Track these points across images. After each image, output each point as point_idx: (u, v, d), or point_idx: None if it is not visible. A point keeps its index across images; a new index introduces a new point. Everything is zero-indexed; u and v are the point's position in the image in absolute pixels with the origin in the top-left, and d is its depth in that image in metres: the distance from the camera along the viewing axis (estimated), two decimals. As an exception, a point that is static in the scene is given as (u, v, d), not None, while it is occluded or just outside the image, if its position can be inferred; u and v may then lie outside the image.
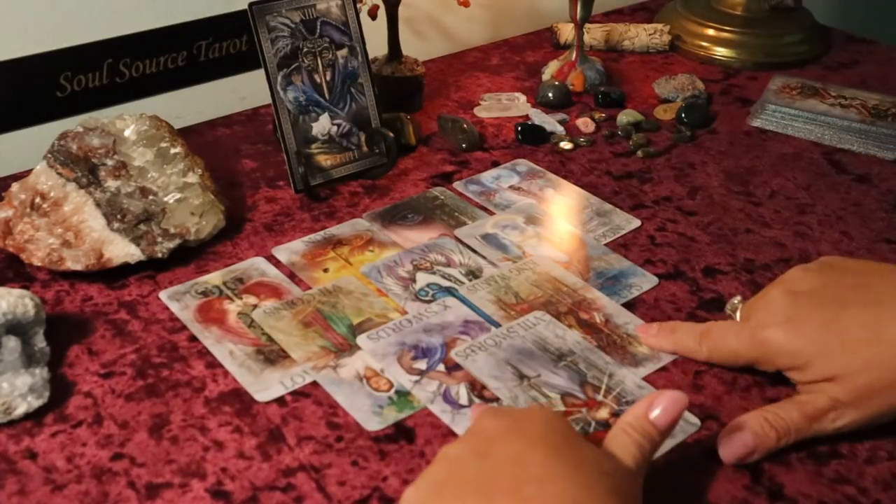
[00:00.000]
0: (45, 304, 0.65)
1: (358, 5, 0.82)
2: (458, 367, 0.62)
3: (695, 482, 0.54)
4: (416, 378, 0.61)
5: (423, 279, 0.70)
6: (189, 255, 0.72)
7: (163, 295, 0.68)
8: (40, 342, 0.61)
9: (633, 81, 1.03)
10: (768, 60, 1.06)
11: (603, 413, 0.58)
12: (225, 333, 0.65)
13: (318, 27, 0.80)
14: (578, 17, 0.98)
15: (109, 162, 0.75)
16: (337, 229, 0.76)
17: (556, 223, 0.78)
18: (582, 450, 0.47)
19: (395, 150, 0.83)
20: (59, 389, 0.60)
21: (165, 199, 0.73)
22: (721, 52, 1.07)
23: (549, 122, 0.92)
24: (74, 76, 0.86)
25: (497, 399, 0.59)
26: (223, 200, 0.76)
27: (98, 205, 0.72)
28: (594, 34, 1.10)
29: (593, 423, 0.57)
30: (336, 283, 0.69)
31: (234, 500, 0.53)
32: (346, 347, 0.63)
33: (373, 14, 0.92)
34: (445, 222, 0.77)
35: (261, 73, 0.78)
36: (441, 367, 0.62)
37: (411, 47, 0.97)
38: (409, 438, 0.57)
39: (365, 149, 0.83)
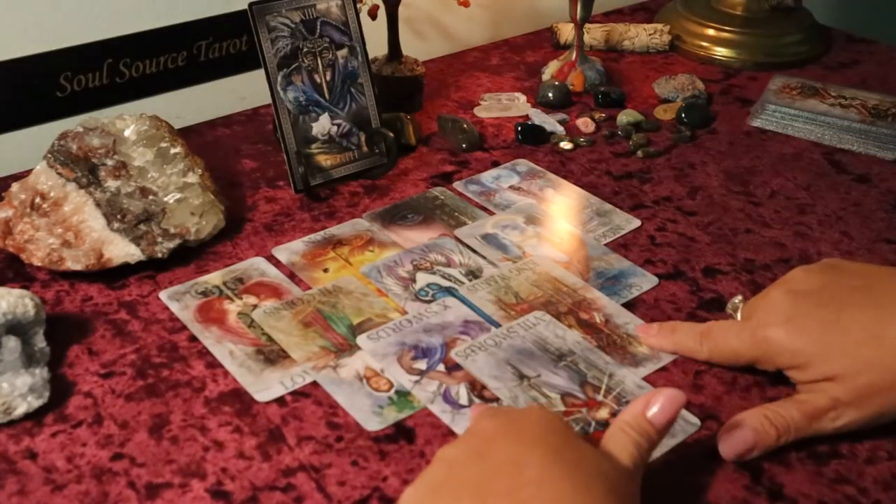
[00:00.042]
0: (45, 304, 0.65)
1: (358, 5, 0.82)
2: (458, 367, 0.62)
3: (695, 482, 0.54)
4: (416, 378, 0.61)
5: (423, 279, 0.70)
6: (189, 255, 0.72)
7: (163, 295, 0.68)
8: (40, 342, 0.61)
9: (633, 81, 1.03)
10: (768, 60, 1.05)
11: (603, 413, 0.58)
12: (225, 333, 0.64)
13: (318, 27, 0.80)
14: (578, 17, 0.98)
15: (109, 162, 0.75)
16: (337, 229, 0.76)
17: (556, 223, 0.78)
18: (580, 450, 0.47)
19: (395, 150, 0.83)
20: (59, 389, 0.60)
21: (165, 199, 0.73)
22: (721, 52, 1.07)
23: (549, 122, 0.92)
24: (74, 76, 0.86)
25: (497, 399, 0.59)
26: (223, 200, 0.76)
27: (98, 205, 0.72)
28: (594, 34, 1.10)
29: (593, 424, 0.57)
30: (336, 283, 0.69)
31: (234, 500, 0.53)
32: (346, 347, 0.63)
33: (373, 14, 0.92)
34: (445, 222, 0.77)
35: (261, 73, 0.78)
36: (441, 367, 0.61)
37: (411, 47, 0.97)
38: (409, 438, 0.57)
39: (365, 149, 0.83)
